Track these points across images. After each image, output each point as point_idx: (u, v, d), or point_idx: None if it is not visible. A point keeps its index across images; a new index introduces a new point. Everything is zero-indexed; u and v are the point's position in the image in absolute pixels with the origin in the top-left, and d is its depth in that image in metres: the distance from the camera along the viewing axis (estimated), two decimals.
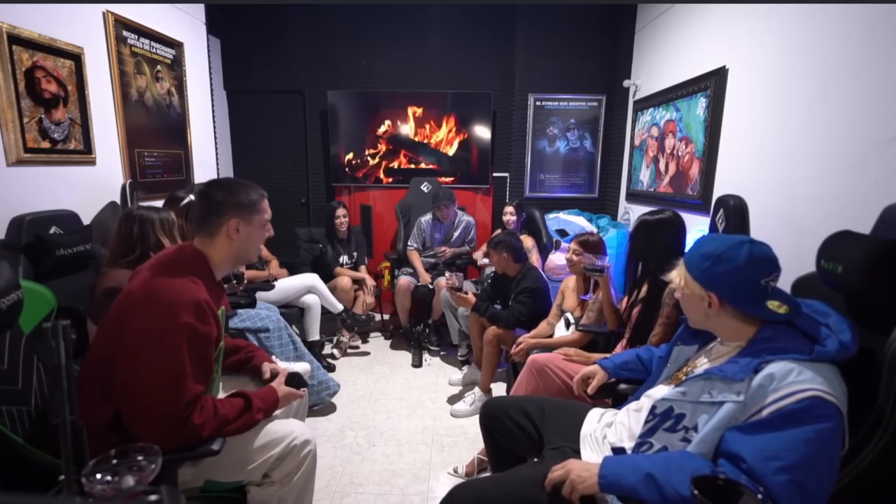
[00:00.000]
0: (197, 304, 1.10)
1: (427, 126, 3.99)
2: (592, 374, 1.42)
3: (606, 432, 1.19)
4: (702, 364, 1.08)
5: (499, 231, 3.23)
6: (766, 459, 0.81)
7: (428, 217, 3.45)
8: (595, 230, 3.37)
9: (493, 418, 1.45)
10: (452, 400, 2.59)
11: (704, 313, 1.01)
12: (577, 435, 1.23)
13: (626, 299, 1.83)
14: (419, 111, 3.96)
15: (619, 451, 1.11)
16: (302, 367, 1.75)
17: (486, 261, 3.31)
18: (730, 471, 0.84)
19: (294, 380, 1.41)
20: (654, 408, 1.06)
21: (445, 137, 4.00)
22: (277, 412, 1.46)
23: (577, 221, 3.50)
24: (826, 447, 0.81)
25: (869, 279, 0.93)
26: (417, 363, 3.04)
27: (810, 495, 0.79)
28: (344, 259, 3.39)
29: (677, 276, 1.05)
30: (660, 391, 1.11)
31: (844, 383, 0.87)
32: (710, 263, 0.98)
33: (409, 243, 3.45)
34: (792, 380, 0.85)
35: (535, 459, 1.31)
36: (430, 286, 3.21)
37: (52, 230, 1.76)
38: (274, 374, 1.45)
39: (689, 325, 1.12)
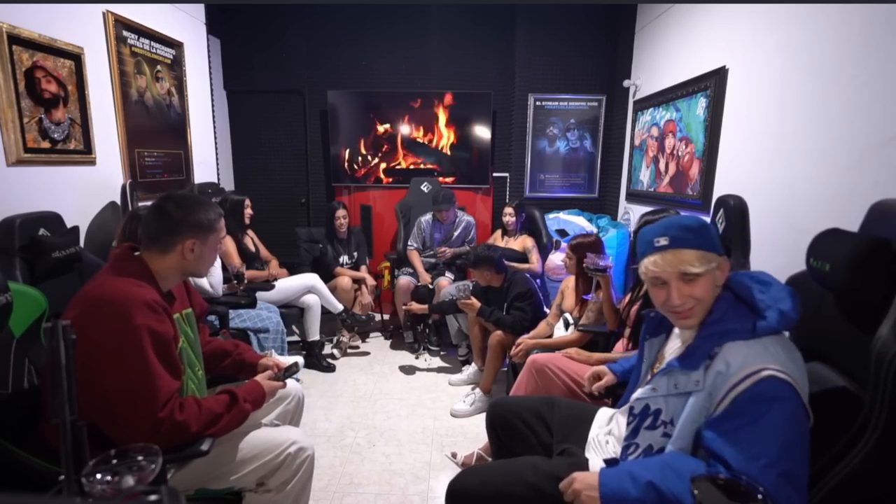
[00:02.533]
0: (147, 303, 1.08)
1: (426, 126, 3.99)
2: (603, 374, 1.43)
3: (609, 438, 1.19)
4: (669, 354, 1.08)
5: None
6: (747, 461, 0.82)
7: (428, 217, 3.45)
8: (595, 230, 3.37)
9: (501, 418, 1.42)
10: (452, 400, 2.59)
11: (714, 288, 0.96)
12: (587, 438, 1.23)
13: (626, 298, 1.83)
14: (419, 111, 3.96)
15: (611, 461, 1.09)
16: (295, 359, 1.73)
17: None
18: (723, 472, 0.84)
19: (292, 369, 1.41)
20: (632, 408, 1.06)
21: (445, 136, 4.00)
22: (272, 417, 1.46)
23: (577, 221, 3.50)
24: (795, 427, 0.83)
25: (853, 276, 0.92)
26: (415, 349, 3.05)
27: (797, 480, 0.81)
28: (344, 259, 3.39)
29: (681, 260, 0.94)
30: (638, 391, 1.11)
31: (796, 349, 0.89)
32: (700, 231, 0.96)
33: (409, 243, 3.45)
34: (744, 362, 0.87)
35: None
36: (430, 286, 3.21)
37: (41, 232, 1.75)
38: (264, 367, 1.44)
39: (656, 315, 1.12)
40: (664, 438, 0.98)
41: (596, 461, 1.13)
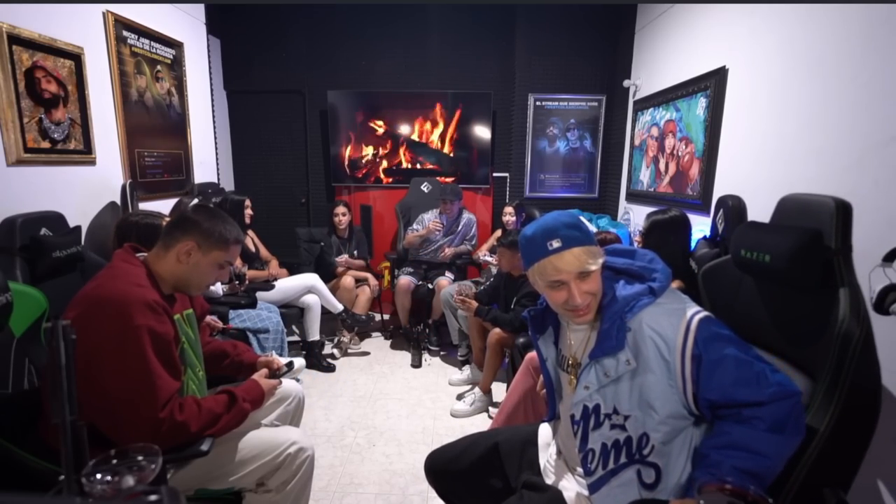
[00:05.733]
0: (147, 303, 1.07)
1: (427, 126, 3.99)
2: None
3: (559, 458, 1.14)
4: (577, 349, 1.07)
5: (512, 229, 3.18)
6: (760, 387, 0.87)
7: (429, 215, 3.46)
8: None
9: (449, 484, 1.30)
10: (452, 400, 2.59)
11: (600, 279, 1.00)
12: (537, 459, 1.19)
13: None
14: (419, 111, 3.96)
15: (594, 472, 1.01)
16: (297, 360, 1.72)
17: (488, 258, 3.31)
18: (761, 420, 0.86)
19: (282, 369, 1.43)
20: (572, 416, 1.03)
21: (445, 136, 4.00)
22: (273, 418, 1.46)
23: None
24: (735, 336, 0.93)
25: (796, 264, 0.97)
26: (417, 363, 3.04)
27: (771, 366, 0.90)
28: (344, 257, 3.39)
29: (581, 260, 0.94)
30: (568, 398, 1.08)
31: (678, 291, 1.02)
32: (581, 226, 0.98)
33: (409, 228, 3.48)
34: (671, 323, 0.93)
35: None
36: (430, 286, 3.22)
37: (42, 232, 1.75)
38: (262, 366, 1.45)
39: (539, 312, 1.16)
40: (613, 431, 0.96)
41: (569, 486, 1.07)
